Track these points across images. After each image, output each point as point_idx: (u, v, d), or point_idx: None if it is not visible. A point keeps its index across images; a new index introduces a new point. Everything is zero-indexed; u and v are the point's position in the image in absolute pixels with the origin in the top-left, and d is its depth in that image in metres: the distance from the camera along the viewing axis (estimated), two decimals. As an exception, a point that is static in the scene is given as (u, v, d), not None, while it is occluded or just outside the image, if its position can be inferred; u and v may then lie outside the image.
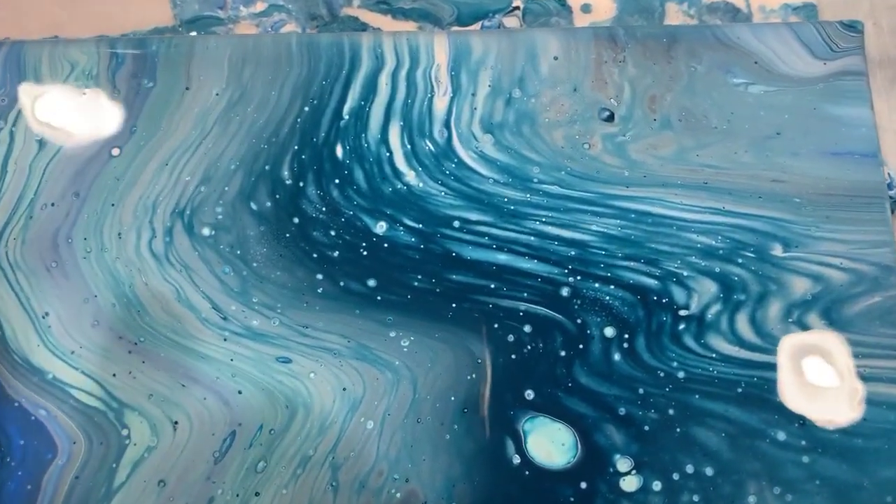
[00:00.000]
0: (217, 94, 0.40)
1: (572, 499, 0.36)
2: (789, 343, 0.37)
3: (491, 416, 0.37)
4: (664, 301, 0.38)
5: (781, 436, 0.36)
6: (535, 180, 0.39)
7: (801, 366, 0.37)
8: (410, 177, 0.39)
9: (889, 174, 0.44)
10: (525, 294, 0.38)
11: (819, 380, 0.37)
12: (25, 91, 0.39)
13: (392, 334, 0.37)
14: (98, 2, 0.43)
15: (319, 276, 0.38)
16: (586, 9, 0.44)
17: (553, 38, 0.41)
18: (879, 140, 0.44)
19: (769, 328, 0.38)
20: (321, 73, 0.40)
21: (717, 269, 0.38)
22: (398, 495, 0.36)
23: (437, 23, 0.43)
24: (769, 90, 0.40)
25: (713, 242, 0.39)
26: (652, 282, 0.38)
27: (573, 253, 0.38)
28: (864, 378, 0.37)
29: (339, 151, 0.39)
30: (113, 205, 0.38)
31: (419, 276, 0.38)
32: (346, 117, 0.40)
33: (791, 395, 0.37)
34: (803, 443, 0.36)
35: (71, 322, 0.37)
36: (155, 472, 0.36)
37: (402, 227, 0.39)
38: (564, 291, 0.38)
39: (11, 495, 0.35)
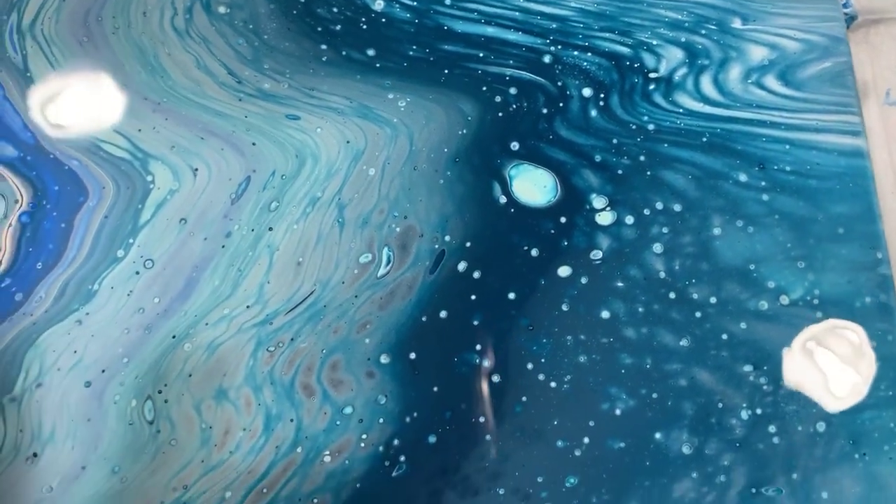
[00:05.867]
0: None
1: (552, 231, 0.39)
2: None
3: (480, 164, 0.40)
4: (636, 66, 0.42)
5: (743, 177, 0.40)
6: (519, -35, 0.43)
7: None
8: (406, -39, 0.43)
9: (846, -5, 0.48)
10: (511, 62, 0.42)
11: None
12: None
13: (390, 96, 0.41)
14: None
15: (323, 47, 0.42)
16: None
17: None
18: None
19: (730, 87, 0.42)
20: None
21: (683, 39, 0.42)
22: (398, 229, 0.39)
23: None
24: None
25: (679, 17, 0.43)
26: (625, 49, 0.42)
27: (554, 26, 0.43)
28: (818, 130, 0.41)
29: (341, -60, 0.44)
30: (138, -12, 0.43)
31: (414, 47, 0.42)
32: (348, -89, 0.44)
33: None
34: (763, 183, 0.40)
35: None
36: (177, 212, 0.39)
37: (398, 5, 0.43)
38: (546, 59, 0.42)
39: (47, 232, 0.39)
